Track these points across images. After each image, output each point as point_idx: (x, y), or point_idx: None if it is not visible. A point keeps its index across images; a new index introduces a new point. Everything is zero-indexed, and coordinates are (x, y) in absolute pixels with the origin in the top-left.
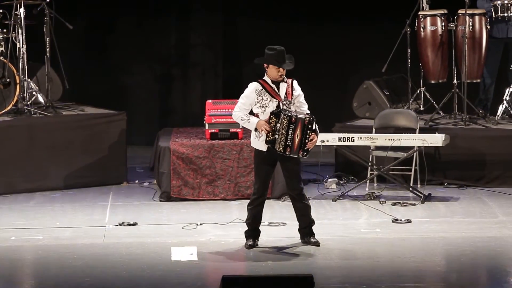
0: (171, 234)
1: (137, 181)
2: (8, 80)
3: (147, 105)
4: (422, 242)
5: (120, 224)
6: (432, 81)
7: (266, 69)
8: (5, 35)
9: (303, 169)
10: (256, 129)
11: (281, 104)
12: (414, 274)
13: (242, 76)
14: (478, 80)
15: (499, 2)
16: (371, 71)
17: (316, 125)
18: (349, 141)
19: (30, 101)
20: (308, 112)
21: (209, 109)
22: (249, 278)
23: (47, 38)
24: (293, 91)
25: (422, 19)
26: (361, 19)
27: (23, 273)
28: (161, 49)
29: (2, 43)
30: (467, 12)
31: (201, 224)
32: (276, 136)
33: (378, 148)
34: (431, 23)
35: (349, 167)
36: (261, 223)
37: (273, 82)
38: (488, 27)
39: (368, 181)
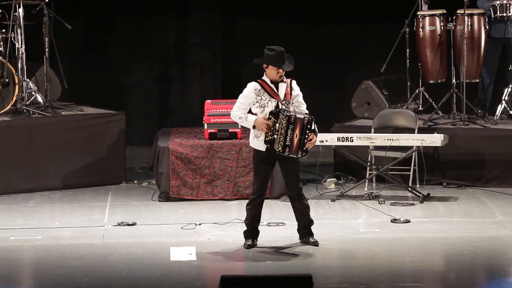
0: (170, 234)
1: (136, 181)
2: (7, 80)
3: (146, 105)
4: (421, 242)
5: (119, 224)
6: (431, 81)
7: (265, 70)
8: (4, 35)
9: (302, 169)
10: (254, 127)
11: (280, 104)
12: (413, 274)
13: (241, 76)
14: (477, 80)
15: (498, 2)
16: (370, 71)
17: (315, 125)
18: (348, 141)
19: (29, 101)
20: (307, 111)
21: (208, 109)
22: (248, 278)
23: (46, 38)
24: (292, 91)
25: (421, 19)
26: (360, 19)
27: (22, 273)
28: (160, 49)
29: (1, 43)
30: (466, 12)
31: (200, 224)
32: (275, 136)
33: (377, 148)
34: (430, 23)
35: (348, 167)
36: (260, 223)
37: (272, 82)
38: (487, 27)
39: (367, 181)
